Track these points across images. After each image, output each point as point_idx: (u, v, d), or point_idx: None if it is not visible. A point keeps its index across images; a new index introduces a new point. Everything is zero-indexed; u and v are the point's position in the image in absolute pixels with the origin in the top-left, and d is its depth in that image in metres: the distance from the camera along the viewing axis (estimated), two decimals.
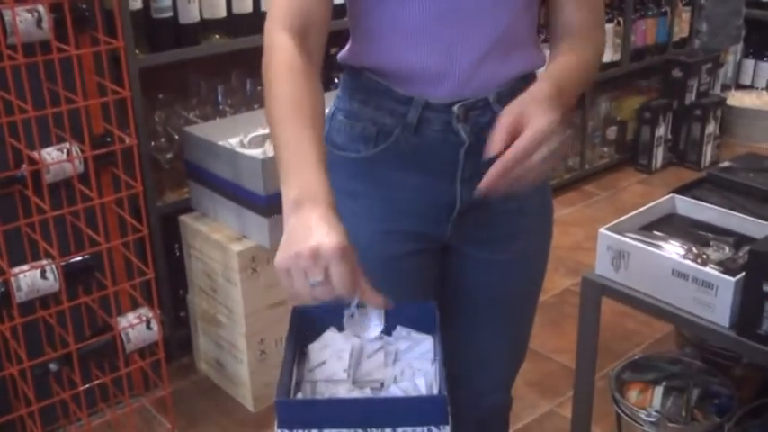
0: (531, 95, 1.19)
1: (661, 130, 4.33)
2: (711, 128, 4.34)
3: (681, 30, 4.51)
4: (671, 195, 2.02)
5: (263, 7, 2.74)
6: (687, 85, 4.31)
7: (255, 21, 2.69)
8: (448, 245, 1.45)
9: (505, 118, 1.16)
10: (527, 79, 1.35)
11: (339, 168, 1.37)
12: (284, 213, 1.09)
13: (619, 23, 4.10)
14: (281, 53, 1.20)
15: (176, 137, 2.72)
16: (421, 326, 1.21)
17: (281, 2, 1.23)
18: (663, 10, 4.36)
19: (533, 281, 1.55)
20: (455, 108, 1.31)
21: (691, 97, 4.34)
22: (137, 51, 2.50)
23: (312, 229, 1.03)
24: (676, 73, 4.32)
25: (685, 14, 4.51)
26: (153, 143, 2.68)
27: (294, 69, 1.18)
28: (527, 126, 1.14)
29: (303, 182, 1.09)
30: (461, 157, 1.34)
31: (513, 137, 1.14)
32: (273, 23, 1.22)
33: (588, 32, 1.35)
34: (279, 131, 1.15)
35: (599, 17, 1.38)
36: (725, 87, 4.78)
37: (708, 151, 4.37)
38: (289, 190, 1.09)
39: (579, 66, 1.31)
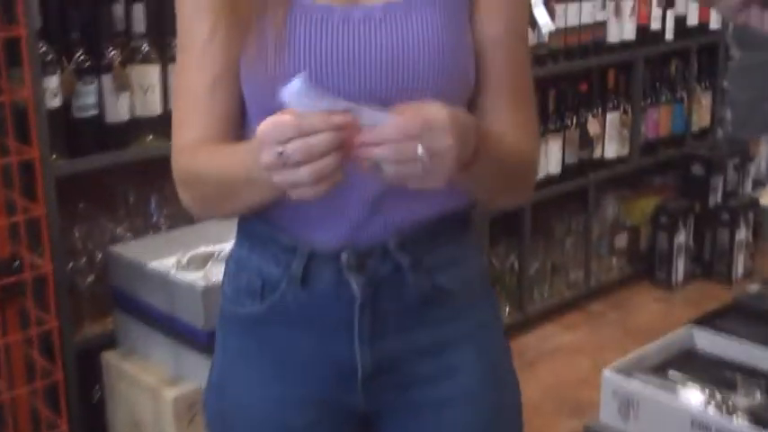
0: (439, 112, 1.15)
1: (681, 238, 4.36)
2: (743, 234, 4.39)
3: (701, 118, 4.59)
4: (689, 327, 2.05)
5: None
6: (710, 184, 4.37)
7: None
8: (367, 415, 1.43)
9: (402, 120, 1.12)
10: (446, 223, 1.34)
11: (230, 326, 1.44)
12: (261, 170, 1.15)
13: (626, 112, 4.18)
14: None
15: (99, 256, 2.73)
16: None
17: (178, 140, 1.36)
18: (678, 96, 4.44)
19: None
20: (343, 255, 1.30)
21: (716, 198, 4.40)
22: (53, 156, 2.51)
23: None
24: (697, 169, 4.39)
25: (705, 100, 4.59)
26: (71, 264, 2.68)
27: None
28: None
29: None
30: (356, 314, 1.33)
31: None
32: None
33: (517, 137, 1.33)
34: (216, 165, 1.31)
35: (528, 120, 1.37)
36: (757, 185, 4.81)
37: (739, 262, 4.39)
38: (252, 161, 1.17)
39: (508, 146, 1.30)
